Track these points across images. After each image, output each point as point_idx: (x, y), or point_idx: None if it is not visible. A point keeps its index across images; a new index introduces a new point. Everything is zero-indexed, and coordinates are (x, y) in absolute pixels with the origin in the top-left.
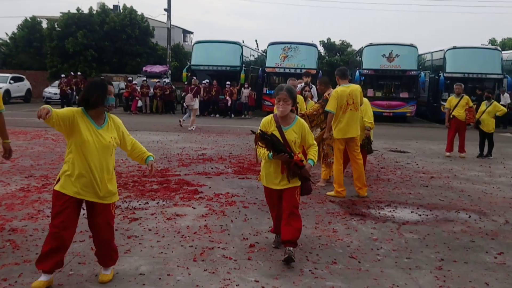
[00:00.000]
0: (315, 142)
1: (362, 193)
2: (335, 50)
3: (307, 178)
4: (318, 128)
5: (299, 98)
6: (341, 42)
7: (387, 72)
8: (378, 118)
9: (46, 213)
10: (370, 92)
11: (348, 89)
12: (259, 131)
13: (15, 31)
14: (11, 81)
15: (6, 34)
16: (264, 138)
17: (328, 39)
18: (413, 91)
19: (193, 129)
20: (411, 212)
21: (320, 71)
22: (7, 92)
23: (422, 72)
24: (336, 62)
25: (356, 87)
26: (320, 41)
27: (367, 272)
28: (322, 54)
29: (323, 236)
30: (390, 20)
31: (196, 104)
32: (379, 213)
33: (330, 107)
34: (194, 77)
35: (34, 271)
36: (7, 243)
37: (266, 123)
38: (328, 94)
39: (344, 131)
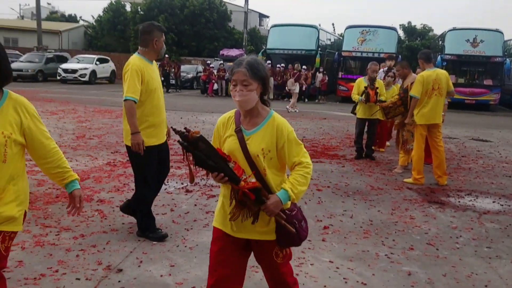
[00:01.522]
0: (304, 159)
1: (441, 181)
2: (415, 34)
3: (281, 222)
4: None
5: (379, 83)
6: (422, 26)
7: (470, 58)
8: (460, 105)
9: (131, 186)
10: (452, 79)
11: (434, 73)
12: (183, 129)
13: (101, 14)
14: (97, 62)
15: (93, 17)
16: (181, 144)
17: (409, 22)
18: (498, 78)
19: (297, 111)
20: (493, 202)
21: (400, 56)
22: (93, 72)
23: (507, 59)
24: (417, 46)
25: (442, 72)
26: (400, 25)
27: (445, 259)
28: (402, 38)
29: (400, 222)
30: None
31: (297, 88)
32: (459, 201)
33: (414, 92)
34: (298, 63)
35: (121, 239)
36: (96, 213)
37: (222, 124)
38: (411, 84)
39: (427, 117)
